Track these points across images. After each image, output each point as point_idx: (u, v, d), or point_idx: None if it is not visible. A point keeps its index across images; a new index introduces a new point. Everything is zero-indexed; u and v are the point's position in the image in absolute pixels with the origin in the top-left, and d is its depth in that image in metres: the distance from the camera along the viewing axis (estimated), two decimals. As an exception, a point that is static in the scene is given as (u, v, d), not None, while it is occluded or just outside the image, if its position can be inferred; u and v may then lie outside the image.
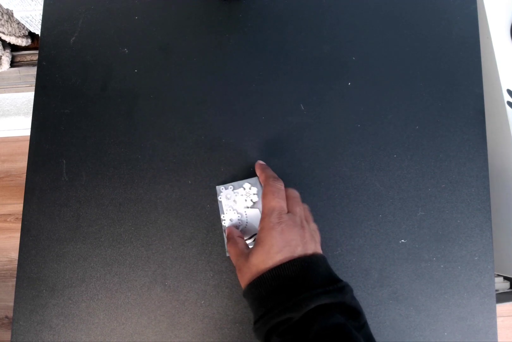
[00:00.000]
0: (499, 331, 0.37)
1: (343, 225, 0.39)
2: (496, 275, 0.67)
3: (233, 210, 0.38)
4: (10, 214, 1.21)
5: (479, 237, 0.38)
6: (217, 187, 0.40)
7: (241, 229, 0.38)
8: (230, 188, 0.39)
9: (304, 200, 0.39)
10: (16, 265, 0.39)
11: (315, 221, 0.36)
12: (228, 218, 0.38)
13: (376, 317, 0.37)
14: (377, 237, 0.39)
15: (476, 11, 0.43)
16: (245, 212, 0.38)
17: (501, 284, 0.89)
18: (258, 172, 0.38)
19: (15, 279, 0.39)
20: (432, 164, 0.40)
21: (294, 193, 0.35)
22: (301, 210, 0.34)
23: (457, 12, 0.43)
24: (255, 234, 0.38)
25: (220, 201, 0.39)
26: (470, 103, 0.41)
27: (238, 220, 0.38)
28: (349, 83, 0.42)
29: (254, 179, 0.39)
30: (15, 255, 1.19)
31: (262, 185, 0.36)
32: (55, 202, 0.40)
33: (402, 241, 0.38)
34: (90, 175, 0.41)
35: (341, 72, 0.42)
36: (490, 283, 0.37)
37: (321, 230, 0.39)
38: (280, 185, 0.35)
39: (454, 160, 0.40)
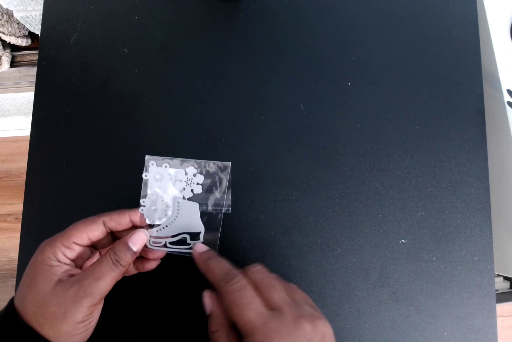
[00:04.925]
0: (499, 331, 0.37)
1: (343, 225, 0.39)
2: (496, 275, 0.67)
3: (160, 197, 0.31)
4: (10, 214, 1.21)
5: (479, 237, 0.38)
6: (147, 156, 0.31)
7: (165, 225, 0.31)
8: (165, 166, 0.31)
9: (304, 199, 0.39)
10: (16, 265, 0.39)
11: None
12: (149, 205, 0.31)
13: (376, 317, 0.37)
14: (377, 237, 0.39)
15: (476, 11, 0.43)
16: (177, 203, 0.31)
17: (501, 284, 0.89)
18: (201, 269, 0.29)
19: (15, 279, 0.39)
20: (432, 164, 0.40)
21: (258, 272, 0.27)
22: (282, 294, 0.26)
23: (457, 12, 0.43)
24: (181, 233, 0.32)
25: (146, 180, 0.31)
26: (470, 103, 0.41)
27: (164, 211, 0.30)
28: (349, 83, 0.42)
29: (202, 162, 0.31)
30: (15, 255, 1.19)
31: (217, 290, 0.27)
32: (55, 202, 0.40)
33: (402, 241, 0.38)
34: (90, 175, 0.41)
35: (341, 72, 0.42)
36: (490, 283, 0.37)
37: (321, 230, 0.39)
38: (239, 283, 0.26)
39: (454, 160, 0.40)
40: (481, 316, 0.37)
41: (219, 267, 0.28)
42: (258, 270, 0.28)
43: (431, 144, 0.40)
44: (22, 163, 1.22)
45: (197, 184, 0.32)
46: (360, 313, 0.37)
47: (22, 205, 0.41)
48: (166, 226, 0.32)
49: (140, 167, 0.41)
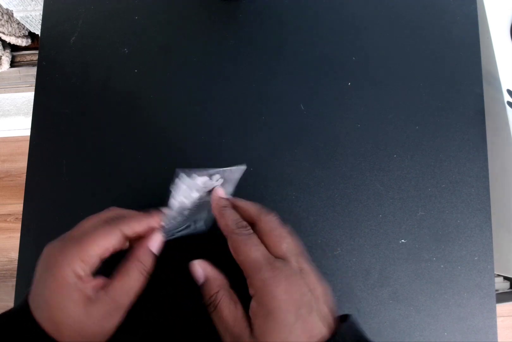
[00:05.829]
0: (499, 331, 0.37)
1: (343, 225, 0.39)
2: (496, 275, 0.67)
3: (184, 209, 0.31)
4: (10, 214, 1.21)
5: (479, 237, 0.38)
6: (177, 170, 0.31)
7: (177, 225, 0.32)
8: (194, 177, 0.31)
9: (304, 199, 0.39)
10: (16, 265, 0.39)
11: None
12: (172, 215, 0.31)
13: (376, 317, 0.37)
14: (377, 237, 0.39)
15: (476, 11, 0.43)
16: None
17: (501, 284, 0.89)
18: (214, 213, 0.30)
19: (15, 279, 0.39)
20: (432, 164, 0.40)
21: (271, 221, 0.28)
22: (291, 246, 0.27)
23: (457, 12, 0.43)
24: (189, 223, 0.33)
25: (174, 192, 0.31)
26: (470, 103, 0.41)
27: (184, 223, 0.32)
28: (349, 83, 0.42)
29: (223, 169, 0.32)
30: (15, 255, 1.19)
31: (225, 235, 0.29)
32: (55, 202, 0.40)
33: (402, 241, 0.38)
34: (90, 175, 0.41)
35: (341, 72, 0.42)
36: (490, 283, 0.37)
37: (321, 230, 0.39)
38: (248, 231, 0.27)
39: (454, 160, 0.40)
40: (481, 316, 0.37)
41: (232, 215, 0.29)
42: (271, 220, 0.29)
43: (431, 144, 0.40)
44: (22, 163, 1.22)
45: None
46: (360, 313, 0.37)
47: (22, 205, 0.41)
48: (178, 223, 0.33)
49: (140, 167, 0.41)
